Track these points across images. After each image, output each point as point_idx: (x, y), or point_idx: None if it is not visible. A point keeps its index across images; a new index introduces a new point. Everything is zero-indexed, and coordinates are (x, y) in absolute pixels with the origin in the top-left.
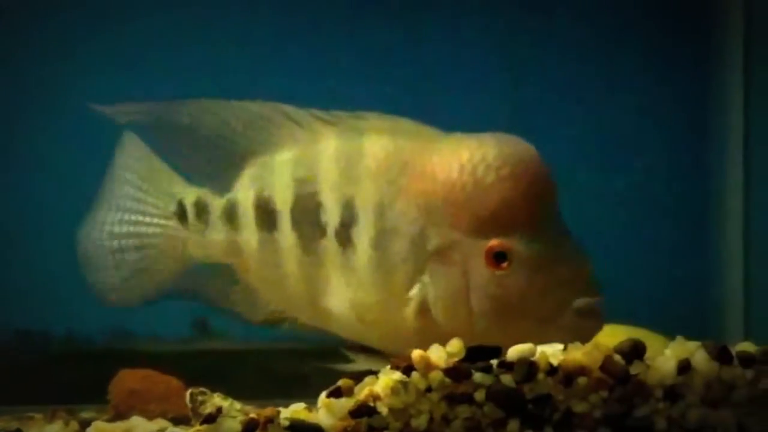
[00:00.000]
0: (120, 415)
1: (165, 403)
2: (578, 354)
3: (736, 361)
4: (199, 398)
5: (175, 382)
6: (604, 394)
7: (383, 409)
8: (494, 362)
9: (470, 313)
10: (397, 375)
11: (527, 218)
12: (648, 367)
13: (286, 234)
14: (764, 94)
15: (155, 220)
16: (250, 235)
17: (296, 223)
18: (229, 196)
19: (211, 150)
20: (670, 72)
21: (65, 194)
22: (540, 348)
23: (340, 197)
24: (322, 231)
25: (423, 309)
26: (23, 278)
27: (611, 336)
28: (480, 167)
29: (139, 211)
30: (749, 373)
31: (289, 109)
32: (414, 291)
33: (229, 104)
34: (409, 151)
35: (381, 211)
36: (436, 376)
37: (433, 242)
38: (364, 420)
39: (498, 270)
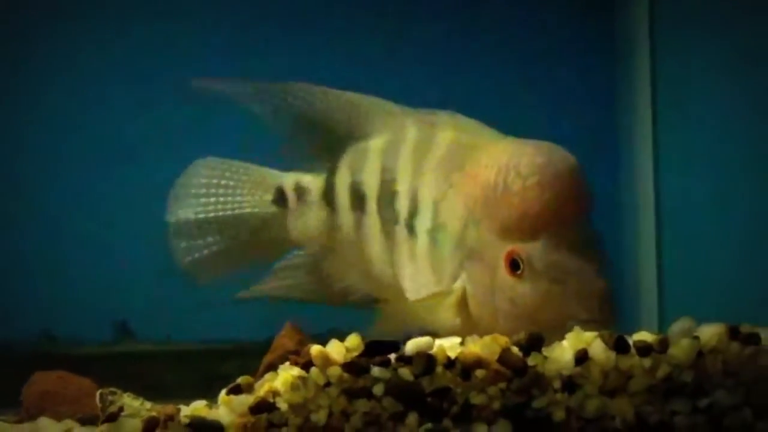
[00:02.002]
0: (31, 417)
1: (76, 404)
2: (476, 347)
3: (633, 351)
4: (109, 398)
5: (87, 383)
6: (503, 385)
7: (283, 405)
8: (392, 356)
9: (495, 313)
10: (296, 371)
11: (549, 228)
12: (545, 358)
13: (373, 218)
14: (671, 80)
15: (255, 210)
16: (345, 217)
17: (380, 208)
18: (327, 178)
19: (312, 133)
20: (576, 61)
21: None
22: (438, 341)
23: (410, 187)
24: (396, 218)
25: (461, 303)
26: None
27: None
28: (512, 173)
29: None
30: (646, 362)
31: (382, 101)
32: (456, 285)
33: (332, 92)
34: (465, 150)
35: (436, 205)
36: (334, 371)
37: (471, 240)
38: (264, 416)
39: (513, 275)
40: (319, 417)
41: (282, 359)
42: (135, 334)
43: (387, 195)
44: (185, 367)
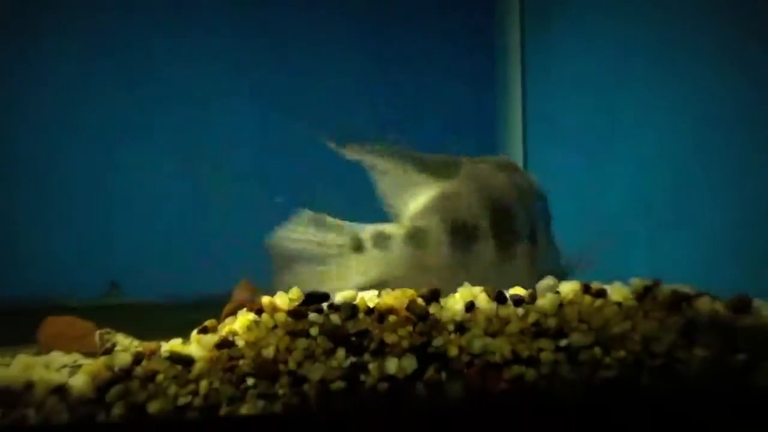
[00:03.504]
0: (46, 352)
1: (81, 342)
2: (389, 298)
3: (509, 302)
4: (106, 337)
5: (89, 325)
6: (410, 328)
7: (240, 342)
8: (325, 305)
9: None
10: (251, 316)
11: None
12: (442, 307)
13: (488, 245)
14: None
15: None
16: (438, 251)
17: (495, 236)
18: (410, 224)
19: (401, 187)
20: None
21: None
22: (360, 294)
23: (526, 212)
24: (514, 238)
25: None
26: None
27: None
28: None
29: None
30: (520, 311)
31: (454, 156)
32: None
33: (415, 153)
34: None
35: (545, 223)
36: (280, 316)
37: None
38: (226, 351)
39: None
40: (269, 352)
41: (239, 308)
42: (125, 292)
43: (502, 222)
44: (163, 315)
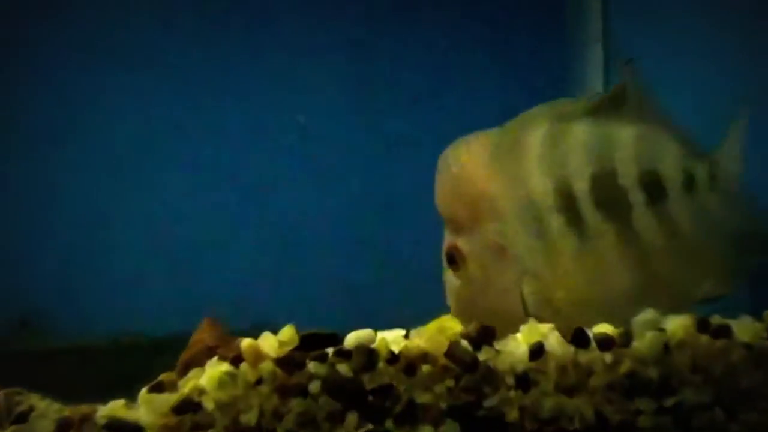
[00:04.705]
0: None
1: None
2: (421, 340)
3: (593, 344)
4: (15, 398)
5: None
6: (451, 383)
7: (209, 404)
8: (330, 350)
9: None
10: (225, 366)
11: None
12: (498, 352)
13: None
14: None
15: None
16: None
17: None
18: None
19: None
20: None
21: None
22: (380, 334)
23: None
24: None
25: None
26: None
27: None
28: None
29: None
30: (608, 357)
31: None
32: None
33: None
34: None
35: None
36: (266, 366)
37: None
38: (188, 416)
39: None
40: (249, 418)
41: (202, 356)
42: (38, 331)
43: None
44: (85, 365)
